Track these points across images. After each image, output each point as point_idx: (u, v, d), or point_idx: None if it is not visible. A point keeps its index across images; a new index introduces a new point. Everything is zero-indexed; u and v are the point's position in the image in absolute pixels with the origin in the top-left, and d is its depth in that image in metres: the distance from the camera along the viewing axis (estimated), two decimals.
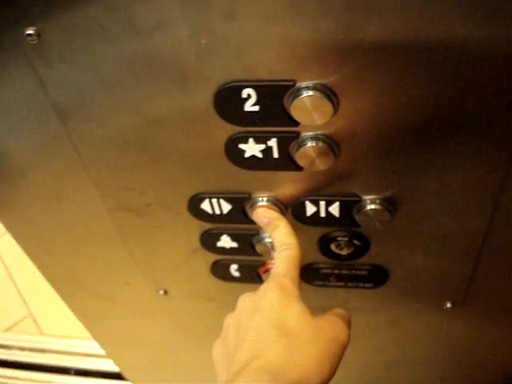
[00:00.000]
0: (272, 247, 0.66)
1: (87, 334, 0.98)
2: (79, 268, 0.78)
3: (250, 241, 0.67)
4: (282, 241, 0.57)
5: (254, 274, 0.72)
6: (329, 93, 0.48)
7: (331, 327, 0.49)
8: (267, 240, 0.66)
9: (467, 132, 0.50)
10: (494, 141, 0.51)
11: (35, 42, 0.49)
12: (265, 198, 0.61)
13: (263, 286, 0.52)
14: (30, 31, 0.48)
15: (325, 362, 0.45)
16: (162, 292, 0.80)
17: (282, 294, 0.49)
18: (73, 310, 0.89)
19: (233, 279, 0.74)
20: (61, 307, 0.91)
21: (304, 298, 0.76)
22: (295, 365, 0.43)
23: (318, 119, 0.50)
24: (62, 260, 0.77)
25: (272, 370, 0.43)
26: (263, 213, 0.60)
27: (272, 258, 0.68)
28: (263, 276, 0.71)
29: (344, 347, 0.48)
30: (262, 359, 0.44)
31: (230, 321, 0.52)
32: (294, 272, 0.54)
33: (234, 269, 0.72)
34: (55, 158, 0.61)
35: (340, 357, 0.47)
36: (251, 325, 0.48)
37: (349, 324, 0.52)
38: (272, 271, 0.54)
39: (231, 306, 0.82)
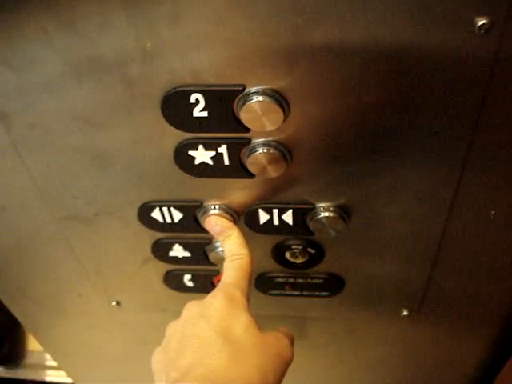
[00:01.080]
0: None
1: None
2: (27, 279, 0.76)
3: (203, 250, 0.66)
4: (233, 250, 0.55)
5: (208, 284, 0.71)
6: (279, 98, 0.48)
7: (277, 343, 0.48)
8: (220, 249, 0.64)
9: (419, 138, 0.50)
10: (446, 147, 0.51)
11: None
12: (217, 206, 0.60)
13: (210, 295, 0.50)
14: None
15: (268, 376, 0.44)
16: (114, 303, 0.77)
17: (230, 304, 0.48)
18: (22, 321, 0.86)
19: (187, 289, 0.72)
20: None
21: (259, 307, 0.75)
22: (238, 376, 0.42)
23: (269, 125, 0.49)
24: (9, 271, 0.75)
25: (214, 379, 0.41)
26: (216, 221, 0.59)
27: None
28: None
29: (287, 364, 0.47)
30: (205, 367, 0.42)
31: (174, 329, 0.50)
32: (244, 283, 0.52)
33: (187, 279, 0.71)
34: None
35: (283, 374, 0.46)
36: (196, 331, 0.46)
37: (293, 343, 0.51)
38: (221, 281, 0.53)
39: None
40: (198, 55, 0.46)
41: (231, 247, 0.56)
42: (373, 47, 0.44)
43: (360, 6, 0.41)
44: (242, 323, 0.47)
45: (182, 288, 0.72)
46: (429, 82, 0.45)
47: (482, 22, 0.41)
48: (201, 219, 0.61)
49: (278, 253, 0.65)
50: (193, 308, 0.50)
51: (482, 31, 0.41)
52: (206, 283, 0.71)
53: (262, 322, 0.79)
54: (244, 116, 0.48)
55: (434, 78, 0.45)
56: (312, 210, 0.58)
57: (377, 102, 0.48)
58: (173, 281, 0.71)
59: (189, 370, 0.42)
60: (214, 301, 0.48)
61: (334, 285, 0.69)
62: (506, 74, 0.44)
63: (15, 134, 0.55)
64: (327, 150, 0.52)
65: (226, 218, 0.59)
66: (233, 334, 0.45)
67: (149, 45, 0.46)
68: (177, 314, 0.77)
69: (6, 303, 0.81)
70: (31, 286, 0.77)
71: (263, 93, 0.47)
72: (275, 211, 0.59)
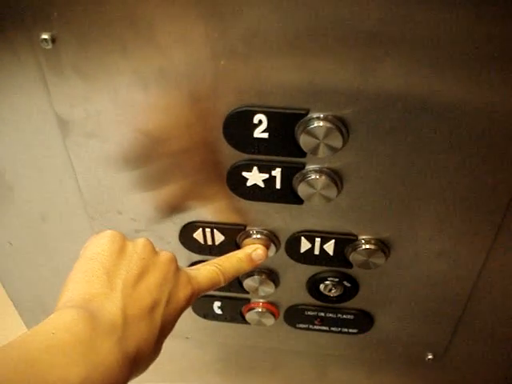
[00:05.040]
0: (259, 284, 0.64)
1: None
2: (51, 293, 0.74)
3: (237, 277, 0.65)
4: (229, 270, 0.56)
5: (236, 313, 0.70)
6: (340, 125, 0.48)
7: None
8: (256, 276, 0.64)
9: (467, 176, 0.51)
10: (491, 188, 0.52)
11: (49, 47, 0.48)
12: (260, 231, 0.60)
13: (193, 274, 0.51)
14: (45, 36, 0.47)
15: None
16: None
17: (189, 301, 0.49)
18: None
19: (214, 317, 0.71)
20: None
21: (281, 341, 0.74)
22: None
23: (326, 151, 0.49)
24: (35, 286, 0.74)
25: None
26: (261, 255, 0.59)
27: (259, 297, 0.67)
28: (247, 315, 0.69)
29: None
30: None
31: (140, 249, 0.48)
32: (203, 291, 0.52)
33: (217, 306, 0.70)
34: (47, 174, 0.59)
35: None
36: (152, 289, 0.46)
37: None
38: (196, 271, 0.53)
39: (206, 345, 0.79)
40: (269, 76, 0.47)
41: (232, 268, 0.57)
42: (434, 88, 0.45)
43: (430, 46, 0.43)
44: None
45: (210, 315, 0.71)
46: (482, 131, 0.47)
47: None
48: (241, 243, 0.61)
49: (312, 284, 0.64)
50: (169, 263, 0.48)
51: None
52: (234, 312, 0.70)
53: (282, 356, 0.78)
54: (303, 140, 0.49)
55: (488, 129, 0.47)
56: (354, 241, 0.59)
57: (431, 142, 0.49)
58: (202, 307, 0.71)
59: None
60: (186, 291, 0.48)
61: (363, 322, 0.68)
62: None
63: (71, 141, 0.55)
64: (378, 183, 0.53)
65: (266, 245, 0.60)
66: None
67: (222, 62, 0.47)
68: (200, 343, 0.77)
69: (22, 316, 0.79)
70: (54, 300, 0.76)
71: (325, 118, 0.48)
72: (317, 240, 0.59)
